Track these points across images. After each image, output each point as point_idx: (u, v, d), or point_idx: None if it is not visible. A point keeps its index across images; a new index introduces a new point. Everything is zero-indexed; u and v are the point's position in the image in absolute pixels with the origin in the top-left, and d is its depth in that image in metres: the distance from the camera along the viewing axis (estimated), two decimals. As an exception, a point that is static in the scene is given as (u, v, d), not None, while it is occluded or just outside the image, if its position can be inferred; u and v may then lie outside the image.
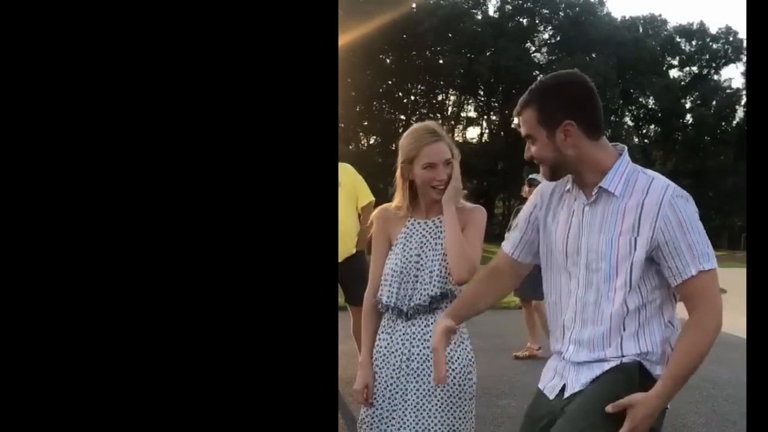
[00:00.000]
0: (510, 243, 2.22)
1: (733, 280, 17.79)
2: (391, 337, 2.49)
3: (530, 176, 7.16)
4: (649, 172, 1.95)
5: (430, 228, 2.53)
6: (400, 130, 44.96)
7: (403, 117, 47.03)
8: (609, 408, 1.82)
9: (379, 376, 2.49)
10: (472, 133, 52.76)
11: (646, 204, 1.87)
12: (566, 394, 1.99)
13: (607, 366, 1.93)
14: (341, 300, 5.72)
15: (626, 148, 2.01)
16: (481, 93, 48.73)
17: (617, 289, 1.92)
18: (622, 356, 1.92)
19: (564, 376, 2.03)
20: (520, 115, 2.01)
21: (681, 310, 1.92)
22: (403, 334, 2.47)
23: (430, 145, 2.46)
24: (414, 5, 44.11)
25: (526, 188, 7.02)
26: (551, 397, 2.04)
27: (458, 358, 2.45)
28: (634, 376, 1.89)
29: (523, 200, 7.14)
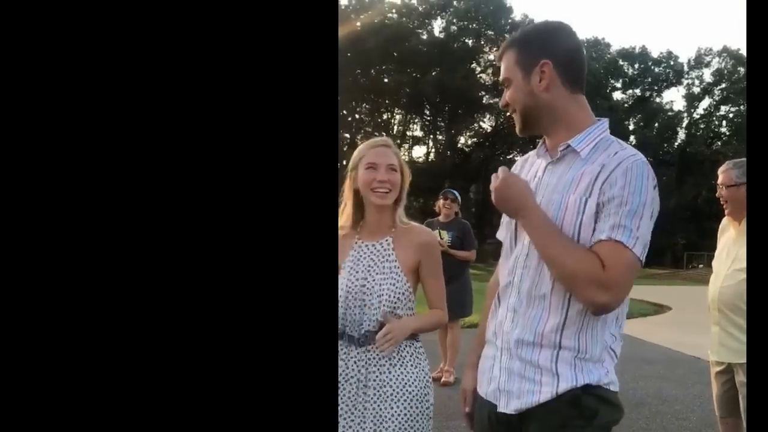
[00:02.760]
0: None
1: (677, 298, 18.29)
2: (346, 364, 2.42)
3: (445, 189, 7.16)
4: (626, 146, 1.80)
5: (378, 251, 2.48)
6: (345, 149, 45.03)
7: (347, 135, 47.16)
8: None
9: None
10: (419, 152, 53.22)
11: (606, 166, 1.72)
12: (500, 407, 1.85)
13: (539, 394, 1.77)
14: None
15: (608, 120, 1.88)
16: (427, 112, 49.21)
17: None
18: (559, 347, 1.76)
19: (496, 379, 1.89)
20: (501, 59, 1.90)
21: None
22: (358, 360, 2.41)
23: (375, 149, 2.47)
24: (359, 24, 44.41)
25: (440, 201, 6.99)
26: (495, 402, 1.89)
27: (415, 379, 2.41)
28: (579, 407, 1.74)
29: (436, 214, 7.09)
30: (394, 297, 2.40)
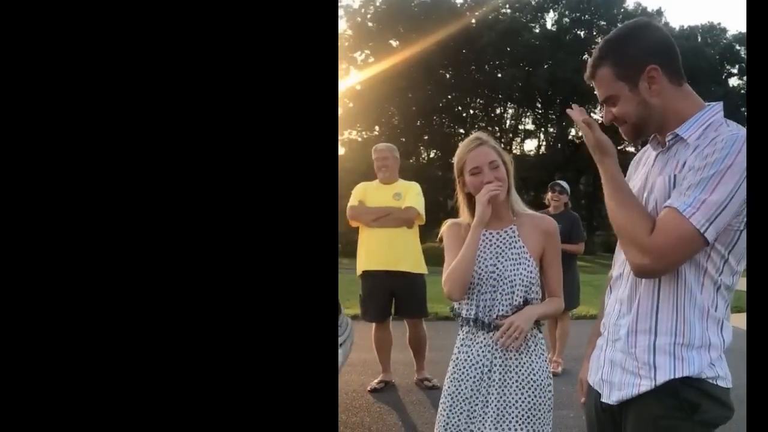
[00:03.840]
0: None
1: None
2: (470, 349, 2.44)
3: (553, 181, 6.96)
4: (737, 126, 1.67)
5: (504, 238, 2.48)
6: (460, 144, 44.85)
7: (462, 131, 46.79)
8: None
9: (460, 389, 2.44)
10: (530, 145, 52.26)
11: (701, 144, 1.64)
12: (603, 398, 1.84)
13: (638, 387, 1.73)
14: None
15: (722, 103, 1.76)
16: (539, 105, 48.17)
17: None
18: (655, 333, 1.70)
19: (601, 369, 1.88)
20: (594, 78, 1.81)
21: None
22: (484, 345, 2.42)
23: (473, 151, 2.47)
24: (473, 20, 43.95)
25: (549, 194, 6.80)
26: (600, 392, 1.88)
27: (539, 369, 2.43)
28: (678, 398, 1.68)
29: (545, 207, 6.91)
30: (527, 281, 2.41)
